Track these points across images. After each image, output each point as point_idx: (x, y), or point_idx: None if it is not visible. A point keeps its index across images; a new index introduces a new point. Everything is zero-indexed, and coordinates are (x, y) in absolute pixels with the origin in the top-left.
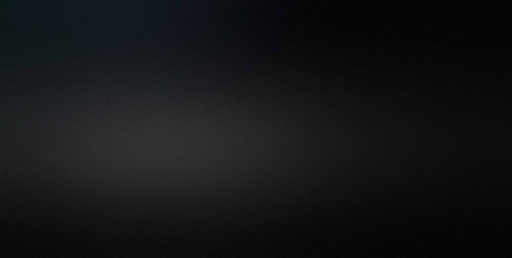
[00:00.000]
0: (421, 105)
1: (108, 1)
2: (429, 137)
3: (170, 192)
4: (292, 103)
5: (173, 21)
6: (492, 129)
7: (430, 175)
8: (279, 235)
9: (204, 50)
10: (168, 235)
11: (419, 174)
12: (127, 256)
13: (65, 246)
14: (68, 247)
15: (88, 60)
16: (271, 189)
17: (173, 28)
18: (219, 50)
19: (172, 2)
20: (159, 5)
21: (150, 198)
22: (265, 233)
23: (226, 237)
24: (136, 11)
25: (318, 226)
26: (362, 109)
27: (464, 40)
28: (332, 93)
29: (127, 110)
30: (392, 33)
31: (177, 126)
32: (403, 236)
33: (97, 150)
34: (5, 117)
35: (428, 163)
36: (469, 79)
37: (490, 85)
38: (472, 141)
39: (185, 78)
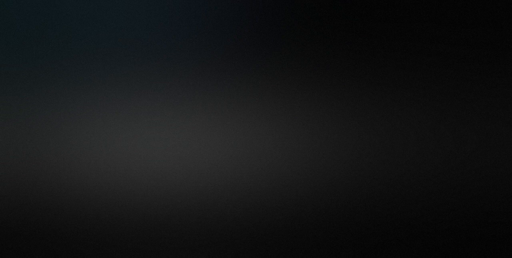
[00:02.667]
0: (421, 105)
1: (108, 1)
2: (429, 137)
3: (170, 192)
4: (292, 103)
5: (173, 21)
6: (492, 129)
7: (430, 175)
8: (279, 235)
9: (204, 50)
10: (168, 235)
11: (419, 174)
12: (127, 256)
13: (65, 246)
14: (68, 247)
15: (88, 60)
16: (271, 189)
17: (173, 28)
18: (219, 50)
19: (172, 2)
20: (159, 5)
21: (150, 198)
22: (265, 233)
23: (226, 237)
24: (136, 11)
25: (318, 226)
26: (362, 109)
27: (464, 40)
28: (332, 93)
29: (127, 110)
30: (392, 33)
31: (177, 126)
32: (403, 236)
33: (97, 150)
34: (5, 117)
35: (428, 163)
36: (469, 79)
37: (490, 85)
38: (472, 141)
39: (185, 78)
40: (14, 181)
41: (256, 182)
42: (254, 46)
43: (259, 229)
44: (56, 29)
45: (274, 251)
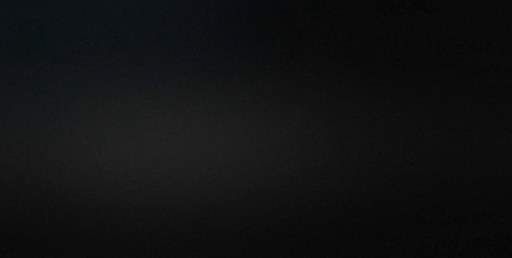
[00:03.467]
0: (421, 105)
1: (108, 1)
2: (429, 137)
3: (170, 192)
4: (292, 103)
5: (173, 21)
6: (492, 129)
7: (430, 175)
8: (279, 235)
9: (204, 50)
10: (168, 235)
11: (419, 174)
12: (127, 256)
13: (65, 246)
14: (68, 247)
15: (88, 60)
16: (271, 189)
17: (173, 28)
18: (219, 50)
19: (172, 2)
20: (159, 5)
21: (150, 198)
22: (265, 233)
23: (226, 237)
24: (136, 11)
25: (318, 226)
26: (362, 109)
27: (464, 40)
28: (332, 93)
29: (127, 110)
30: (392, 33)
31: (177, 127)
32: (403, 236)
33: (97, 150)
34: (5, 117)
35: (428, 163)
36: (469, 79)
37: (490, 85)
38: (472, 141)
39: (185, 78)
40: (14, 181)
41: (256, 182)
42: (254, 46)
43: (259, 229)
44: (56, 29)
45: (274, 251)
